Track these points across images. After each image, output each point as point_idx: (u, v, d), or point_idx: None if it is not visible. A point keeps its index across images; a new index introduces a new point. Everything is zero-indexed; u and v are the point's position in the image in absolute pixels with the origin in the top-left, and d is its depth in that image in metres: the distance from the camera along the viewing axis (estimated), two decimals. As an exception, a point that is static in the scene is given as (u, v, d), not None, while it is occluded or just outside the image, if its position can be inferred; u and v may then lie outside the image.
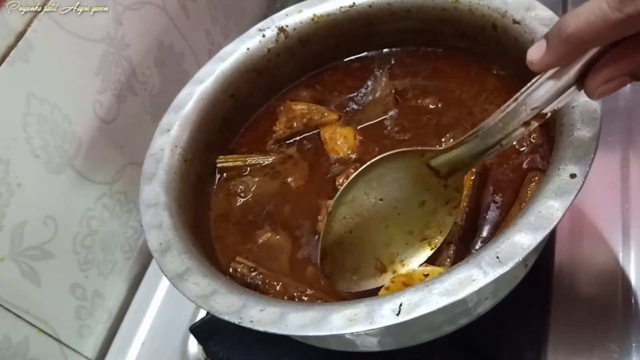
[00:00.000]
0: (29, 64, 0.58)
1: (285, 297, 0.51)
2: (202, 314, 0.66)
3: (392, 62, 0.66)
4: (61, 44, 0.62)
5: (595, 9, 0.33)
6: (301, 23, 0.65)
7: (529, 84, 0.41)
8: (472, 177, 0.52)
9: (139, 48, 0.73)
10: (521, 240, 0.40)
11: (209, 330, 0.62)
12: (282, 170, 0.61)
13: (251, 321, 0.42)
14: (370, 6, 0.64)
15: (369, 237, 0.50)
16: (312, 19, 0.65)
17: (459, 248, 0.50)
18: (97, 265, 0.69)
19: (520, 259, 0.39)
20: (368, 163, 0.47)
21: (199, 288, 0.45)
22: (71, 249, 0.65)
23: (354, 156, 0.60)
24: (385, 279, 0.49)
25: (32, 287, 0.60)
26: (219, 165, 0.63)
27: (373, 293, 0.48)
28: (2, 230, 0.57)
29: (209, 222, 0.59)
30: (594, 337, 0.51)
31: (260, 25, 0.65)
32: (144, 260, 0.76)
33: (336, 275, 0.49)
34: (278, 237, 0.56)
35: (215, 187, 0.62)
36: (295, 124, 0.63)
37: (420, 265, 0.50)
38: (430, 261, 0.50)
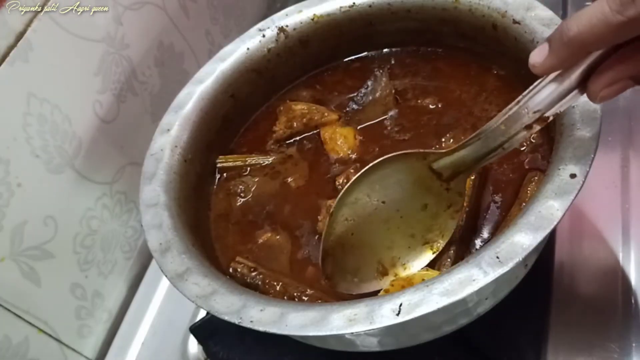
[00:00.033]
0: (29, 64, 0.58)
1: (285, 297, 0.51)
2: (202, 314, 0.66)
3: (392, 62, 0.66)
4: (61, 44, 0.62)
5: (597, 12, 0.33)
6: (301, 23, 0.65)
7: (531, 87, 0.41)
8: (472, 177, 0.52)
9: (139, 48, 0.73)
10: (521, 240, 0.40)
11: (209, 330, 0.62)
12: (282, 170, 0.61)
13: (251, 321, 0.42)
14: (370, 6, 0.64)
15: (370, 240, 0.49)
16: (312, 19, 0.65)
17: (459, 248, 0.50)
18: (97, 265, 0.69)
19: (520, 259, 0.39)
20: (370, 165, 0.47)
21: (199, 288, 0.45)
22: (71, 249, 0.65)
23: (354, 156, 0.60)
24: (387, 282, 0.49)
25: (32, 287, 0.60)
26: (219, 165, 0.63)
27: (373, 295, 0.48)
28: (2, 230, 0.57)
29: (209, 222, 0.59)
30: (594, 337, 0.51)
31: (260, 25, 0.65)
32: (144, 260, 0.76)
33: (337, 277, 0.49)
34: (278, 237, 0.56)
35: (215, 187, 0.62)
36: (295, 124, 0.63)
37: (421, 269, 0.49)
38: (431, 263, 0.50)
